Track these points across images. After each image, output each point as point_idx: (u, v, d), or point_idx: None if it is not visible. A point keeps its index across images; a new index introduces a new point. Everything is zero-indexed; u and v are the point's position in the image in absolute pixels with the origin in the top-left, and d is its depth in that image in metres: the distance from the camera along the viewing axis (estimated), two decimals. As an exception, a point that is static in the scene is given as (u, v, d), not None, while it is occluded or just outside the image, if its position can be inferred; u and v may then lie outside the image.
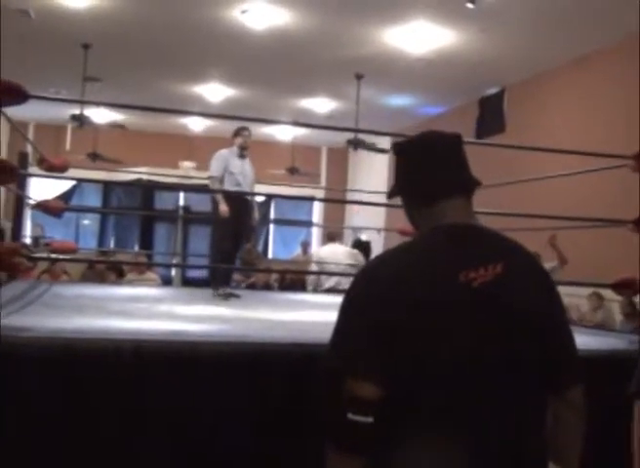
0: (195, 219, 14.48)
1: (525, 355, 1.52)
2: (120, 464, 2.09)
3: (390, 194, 1.73)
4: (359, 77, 9.40)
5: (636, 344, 3.00)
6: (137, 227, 14.64)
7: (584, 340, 2.12)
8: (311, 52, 8.68)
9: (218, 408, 2.17)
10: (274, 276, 10.70)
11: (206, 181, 6.06)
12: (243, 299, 5.19)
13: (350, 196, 13.36)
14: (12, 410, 2.00)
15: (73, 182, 13.38)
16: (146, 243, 14.28)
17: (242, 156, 5.63)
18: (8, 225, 8.57)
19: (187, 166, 12.71)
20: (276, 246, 15.37)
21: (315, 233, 14.84)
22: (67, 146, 11.65)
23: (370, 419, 1.43)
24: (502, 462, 1.48)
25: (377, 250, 12.06)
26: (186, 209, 14.09)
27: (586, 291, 6.90)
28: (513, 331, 1.50)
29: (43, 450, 2.03)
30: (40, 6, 7.36)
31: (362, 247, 10.91)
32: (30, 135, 12.49)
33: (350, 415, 1.42)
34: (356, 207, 13.70)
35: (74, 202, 13.85)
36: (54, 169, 4.51)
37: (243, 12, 7.33)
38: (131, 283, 8.06)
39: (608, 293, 6.27)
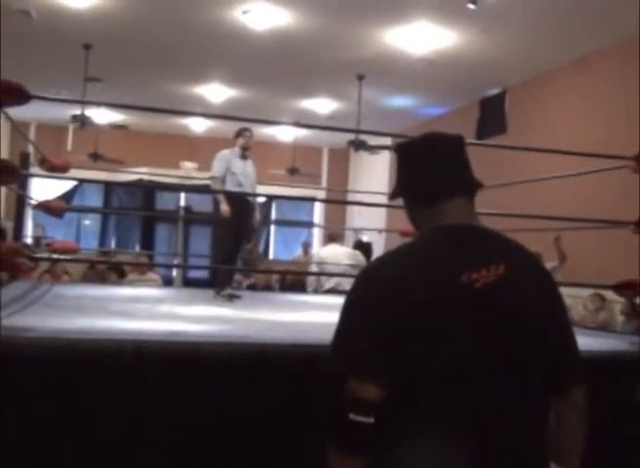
0: (196, 220, 14.49)
1: (527, 355, 1.52)
2: (121, 464, 2.09)
3: (392, 195, 1.73)
4: (360, 78, 9.40)
5: (637, 345, 3.00)
6: (138, 228, 14.64)
7: (586, 341, 2.12)
8: (312, 52, 8.68)
9: (218, 408, 2.18)
10: (275, 277, 10.71)
11: (207, 182, 6.06)
12: (244, 300, 5.19)
13: (351, 197, 13.36)
14: (13, 411, 2.00)
15: (74, 183, 13.38)
16: (147, 243, 14.28)
17: (244, 157, 5.63)
18: (9, 225, 8.57)
19: (188, 166, 12.71)
20: (277, 246, 15.37)
21: (316, 234, 14.83)
22: (69, 147, 11.64)
23: (371, 420, 1.43)
24: (503, 462, 1.48)
25: (378, 251, 12.06)
26: (187, 209, 14.09)
27: (588, 292, 6.90)
28: (515, 331, 1.50)
29: (44, 451, 2.03)
30: (41, 6, 7.36)
31: (363, 248, 10.90)
32: (32, 135, 12.50)
33: (352, 416, 1.43)
34: (357, 208, 13.70)
35: (75, 202, 13.86)
36: (55, 169, 4.52)
37: (244, 12, 7.33)
38: (132, 283, 8.06)
39: (609, 295, 6.28)
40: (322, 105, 11.32)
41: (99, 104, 11.35)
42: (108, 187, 14.35)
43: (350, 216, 14.88)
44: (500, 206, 4.28)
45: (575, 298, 6.89)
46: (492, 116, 9.94)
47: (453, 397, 1.46)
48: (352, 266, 6.90)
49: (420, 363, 1.46)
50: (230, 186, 5.47)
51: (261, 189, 6.91)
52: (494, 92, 9.89)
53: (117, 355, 2.11)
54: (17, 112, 3.28)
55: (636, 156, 3.37)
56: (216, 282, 5.65)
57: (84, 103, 9.96)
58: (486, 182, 1.76)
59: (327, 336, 1.60)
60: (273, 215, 15.19)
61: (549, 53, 8.10)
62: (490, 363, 1.48)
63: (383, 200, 4.04)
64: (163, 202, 14.69)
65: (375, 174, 13.27)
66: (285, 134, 13.33)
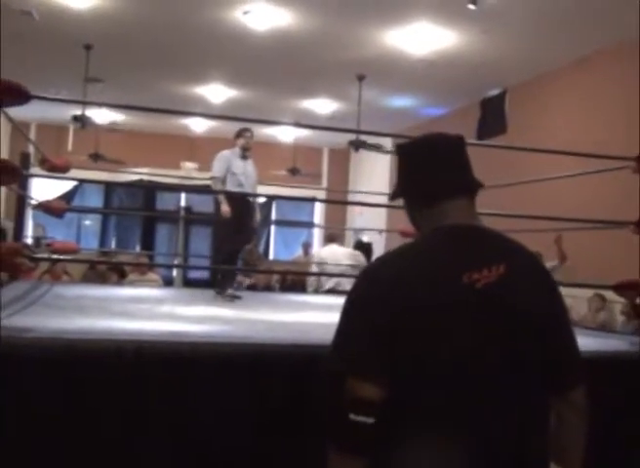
0: (197, 220, 14.50)
1: (528, 355, 1.52)
2: (121, 465, 2.09)
3: (393, 196, 1.73)
4: (361, 78, 9.40)
5: (637, 346, 3.00)
6: (138, 228, 14.65)
7: (586, 342, 2.12)
8: (313, 53, 8.68)
9: (219, 408, 2.18)
10: (275, 277, 10.71)
11: (207, 182, 6.06)
12: (244, 300, 5.19)
13: (352, 197, 13.36)
14: (13, 411, 2.00)
15: (75, 183, 13.38)
16: (148, 243, 14.28)
17: (244, 157, 5.63)
18: (10, 225, 8.58)
19: (189, 166, 12.72)
20: (277, 247, 15.37)
21: (316, 234, 14.84)
22: (69, 147, 11.65)
23: (371, 420, 1.43)
24: (503, 462, 1.48)
25: (378, 251, 12.06)
26: (188, 209, 14.09)
27: (587, 292, 6.90)
28: (516, 331, 1.51)
29: (44, 451, 2.03)
30: (42, 6, 7.37)
31: (363, 248, 10.91)
32: (32, 135, 12.51)
33: (352, 416, 1.43)
34: (357, 208, 13.70)
35: (76, 202, 13.87)
36: (55, 169, 4.52)
37: (245, 13, 7.34)
38: (132, 283, 8.06)
39: (610, 295, 6.28)
40: (322, 106, 11.33)
41: (99, 105, 11.36)
42: (109, 187, 14.36)
43: (351, 217, 14.88)
44: (500, 206, 4.28)
45: (575, 299, 6.89)
46: (492, 116, 9.94)
47: (453, 397, 1.46)
48: (352, 266, 6.90)
49: (420, 363, 1.46)
50: (231, 187, 5.47)
51: (262, 189, 6.92)
52: (494, 92, 9.89)
53: (117, 355, 2.11)
54: (17, 112, 3.28)
55: (637, 157, 3.37)
56: (216, 282, 5.65)
57: (84, 104, 9.97)
58: (486, 183, 1.76)
59: (327, 337, 1.60)
60: (273, 216, 15.19)
61: (550, 53, 8.10)
62: (490, 363, 1.48)
63: (384, 200, 4.04)
64: (163, 202, 14.69)
65: (375, 174, 13.28)
66: (285, 134, 13.34)
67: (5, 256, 2.56)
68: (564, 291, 1.68)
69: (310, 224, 15.38)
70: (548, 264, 5.72)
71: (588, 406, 1.61)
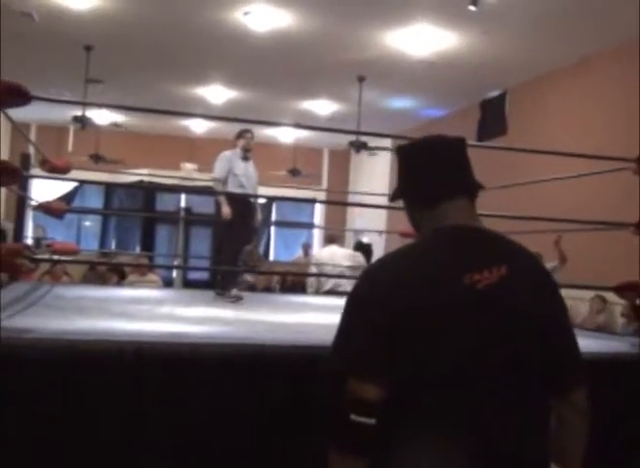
0: (197, 221, 14.50)
1: (528, 357, 1.52)
2: (121, 466, 2.09)
3: (393, 197, 1.73)
4: (361, 79, 9.41)
5: (637, 347, 3.00)
6: (138, 229, 14.65)
7: (586, 343, 2.12)
8: (313, 54, 8.69)
9: (219, 409, 2.17)
10: (276, 278, 10.71)
11: (208, 183, 6.05)
12: (244, 301, 5.18)
13: (352, 198, 13.37)
14: (13, 412, 2.00)
15: (75, 184, 13.40)
16: (148, 244, 14.29)
17: (245, 158, 5.62)
18: (10, 226, 8.59)
19: (189, 167, 12.73)
20: (277, 248, 15.38)
21: (316, 235, 14.84)
22: (69, 148, 11.66)
23: (372, 421, 1.43)
24: (503, 463, 1.48)
25: (378, 252, 12.06)
26: (188, 210, 14.10)
27: (588, 293, 6.89)
28: (517, 332, 1.51)
29: (44, 452, 2.03)
30: (42, 7, 7.37)
31: (363, 249, 10.91)
32: (32, 136, 12.52)
33: (353, 417, 1.43)
34: (357, 209, 13.71)
35: (76, 203, 13.88)
36: (56, 170, 4.51)
37: (245, 14, 7.34)
38: (132, 284, 8.06)
39: (610, 296, 6.28)
40: (323, 107, 11.33)
41: (99, 106, 11.35)
42: (109, 188, 14.37)
43: (351, 218, 14.89)
44: (500, 207, 4.27)
45: (575, 300, 6.89)
46: (492, 118, 9.95)
47: (453, 397, 1.46)
48: (352, 268, 6.90)
49: (420, 363, 1.46)
50: (232, 188, 5.46)
51: (262, 190, 6.92)
52: (494, 93, 9.90)
53: (118, 356, 2.11)
54: (17, 113, 3.28)
55: (637, 158, 3.37)
56: (216, 283, 5.64)
57: (85, 105, 9.99)
58: (486, 184, 1.76)
59: (327, 338, 1.60)
60: (274, 217, 15.20)
61: (550, 54, 8.10)
62: (490, 363, 1.48)
63: (384, 201, 4.03)
64: (163, 203, 14.70)
65: (375, 175, 13.29)
66: (286, 135, 13.35)
67: (5, 257, 2.56)
68: (564, 292, 1.68)
69: (310, 225, 15.39)
70: (548, 265, 5.72)
71: (589, 407, 1.61)
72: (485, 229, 1.64)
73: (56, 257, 4.71)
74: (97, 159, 10.97)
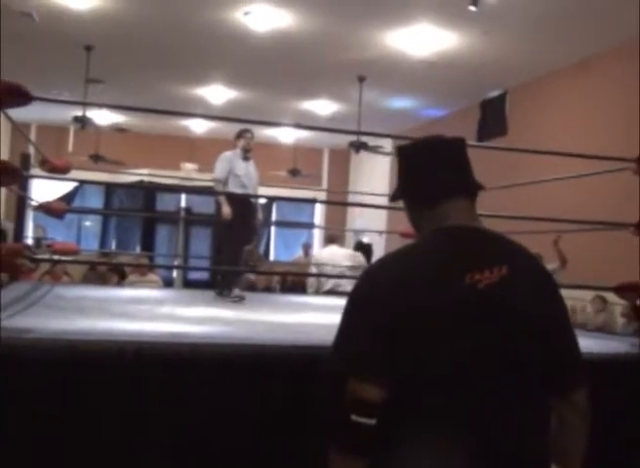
0: (197, 221, 14.51)
1: (528, 356, 1.52)
2: (121, 466, 2.09)
3: (393, 197, 1.73)
4: (361, 79, 9.41)
5: (637, 348, 3.00)
6: (138, 229, 14.66)
7: (586, 343, 2.12)
8: (314, 54, 8.69)
9: (219, 409, 2.18)
10: (276, 278, 10.71)
11: (208, 183, 6.04)
12: (244, 301, 5.18)
13: (352, 198, 13.37)
14: (13, 412, 2.00)
15: (75, 184, 13.41)
16: (148, 244, 14.29)
17: (246, 158, 5.62)
18: (10, 226, 8.59)
19: (189, 167, 12.73)
20: (278, 248, 15.38)
21: (317, 235, 14.84)
22: (70, 148, 11.66)
23: (373, 421, 1.43)
24: (503, 463, 1.48)
25: (378, 252, 12.06)
26: (188, 210, 14.10)
27: (588, 293, 6.89)
28: (517, 332, 1.51)
29: (44, 452, 2.03)
30: (42, 7, 7.37)
31: (363, 249, 10.91)
32: (32, 136, 12.52)
33: (354, 417, 1.43)
34: (358, 209, 13.71)
35: (76, 203, 13.89)
36: (56, 170, 4.51)
37: (246, 14, 7.34)
38: (132, 284, 8.06)
39: (610, 297, 6.27)
40: (323, 107, 11.34)
41: (100, 106, 11.36)
42: (109, 188, 14.38)
43: (351, 218, 14.89)
44: (500, 208, 4.27)
45: (575, 300, 6.89)
46: (492, 118, 9.95)
47: (453, 397, 1.46)
48: (351, 268, 6.90)
49: (420, 363, 1.46)
50: (234, 188, 5.45)
51: (262, 191, 6.92)
52: (494, 94, 9.90)
53: (118, 356, 2.11)
54: (17, 113, 3.28)
55: (637, 158, 3.37)
56: (217, 283, 5.64)
57: (85, 105, 9.99)
58: (487, 184, 1.76)
59: (327, 338, 1.60)
60: (274, 217, 15.20)
61: (550, 55, 8.11)
62: (491, 363, 1.48)
63: (384, 201, 4.04)
64: (163, 203, 14.71)
65: (375, 175, 13.29)
66: (286, 135, 13.35)
67: (5, 257, 2.56)
68: (565, 293, 1.68)
69: (310, 225, 15.39)
70: (549, 266, 5.72)
71: (589, 407, 1.61)
72: (485, 229, 1.64)
73: (56, 257, 4.71)
74: (97, 159, 10.97)
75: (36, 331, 2.37)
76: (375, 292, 1.52)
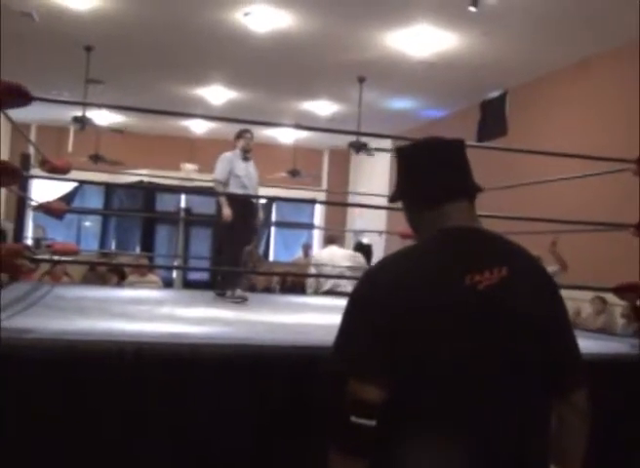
0: (197, 222, 14.51)
1: (529, 357, 1.52)
2: (121, 466, 2.09)
3: (392, 198, 1.73)
4: (361, 80, 9.41)
5: (637, 348, 3.00)
6: (138, 229, 14.66)
7: (586, 344, 2.12)
8: (313, 54, 8.69)
9: (219, 410, 2.18)
10: (276, 278, 10.71)
11: (207, 184, 6.04)
12: (247, 302, 5.18)
13: (352, 199, 13.37)
14: (13, 412, 2.00)
15: (75, 184, 13.41)
16: (148, 245, 14.29)
17: (245, 158, 5.62)
18: (10, 227, 8.59)
19: (189, 168, 12.73)
20: (277, 248, 15.38)
21: (317, 236, 14.85)
22: (69, 148, 11.66)
23: (373, 422, 1.43)
24: (503, 463, 1.48)
25: (378, 253, 12.07)
26: (188, 211, 14.10)
27: (587, 294, 6.89)
28: (517, 333, 1.51)
29: (44, 452, 2.03)
30: (42, 8, 7.37)
31: (363, 250, 10.91)
32: (32, 136, 12.52)
33: (353, 418, 1.43)
34: (357, 210, 13.71)
35: (76, 204, 13.89)
36: (56, 170, 4.51)
37: (246, 14, 7.34)
38: (132, 285, 8.06)
39: (610, 297, 6.28)
40: (323, 107, 11.34)
41: (99, 106, 11.36)
42: (109, 189, 14.38)
43: (351, 218, 14.89)
44: (500, 208, 4.28)
45: (575, 301, 6.89)
46: (492, 118, 9.95)
47: (453, 397, 1.46)
48: (351, 268, 6.90)
49: (420, 364, 1.46)
50: (235, 189, 5.45)
51: (262, 191, 6.92)
52: (494, 94, 9.90)
53: (118, 356, 2.11)
54: (17, 113, 3.28)
55: (637, 159, 3.37)
56: (217, 284, 5.63)
57: (85, 105, 9.98)
58: (486, 185, 1.77)
59: (327, 338, 1.60)
60: (274, 217, 15.20)
61: (550, 55, 8.11)
62: (491, 364, 1.48)
63: (384, 202, 4.04)
64: (163, 203, 14.70)
65: (375, 175, 13.29)
66: (286, 136, 13.35)
67: (5, 258, 2.56)
68: (564, 293, 1.68)
69: (310, 226, 15.40)
70: (548, 269, 5.71)
71: (589, 408, 1.62)
72: (485, 230, 1.64)
73: (56, 258, 4.70)
74: (96, 159, 10.97)
75: (36, 331, 2.37)
76: (375, 293, 1.52)
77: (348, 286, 6.68)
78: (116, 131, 11.21)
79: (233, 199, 5.33)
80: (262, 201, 10.40)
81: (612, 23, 6.97)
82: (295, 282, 10.14)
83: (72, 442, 2.05)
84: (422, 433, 1.46)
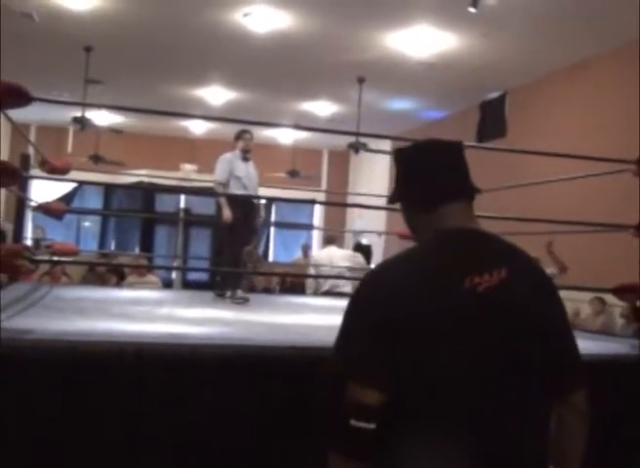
0: (196, 222, 14.51)
1: (528, 358, 1.53)
2: (122, 466, 2.09)
3: (391, 199, 1.73)
4: (361, 80, 9.41)
5: (637, 349, 3.01)
6: (137, 230, 14.66)
7: (585, 345, 2.12)
8: (313, 55, 8.69)
9: (219, 410, 2.18)
10: (275, 279, 10.70)
11: (207, 184, 6.04)
12: (248, 303, 5.18)
13: (351, 199, 13.37)
14: (14, 413, 2.00)
15: (75, 185, 13.40)
16: (147, 245, 14.29)
17: (245, 159, 5.63)
18: (9, 227, 8.58)
19: (188, 168, 12.73)
20: (277, 249, 15.38)
21: (316, 236, 14.85)
22: (69, 148, 11.67)
23: (372, 426, 1.43)
24: (503, 463, 1.48)
25: (377, 253, 12.07)
26: (187, 211, 14.10)
27: (587, 295, 6.90)
28: (517, 334, 1.51)
29: (45, 453, 2.03)
30: (42, 8, 7.37)
31: (363, 250, 10.92)
32: (32, 136, 12.52)
33: (353, 422, 1.43)
34: (357, 210, 13.71)
35: (75, 204, 13.89)
36: (55, 171, 4.51)
37: (245, 15, 7.34)
38: (131, 285, 8.05)
39: (610, 298, 6.28)
40: (322, 108, 11.34)
41: (99, 106, 11.35)
42: (108, 189, 14.38)
43: (350, 219, 14.89)
44: (499, 209, 4.28)
45: (574, 302, 6.89)
46: (492, 119, 9.95)
47: (453, 398, 1.46)
48: (350, 268, 6.91)
49: (420, 366, 1.46)
50: (235, 190, 5.45)
51: (261, 191, 6.93)
52: (494, 95, 9.90)
53: (118, 357, 2.11)
54: (17, 114, 3.29)
55: (637, 159, 3.37)
56: (216, 284, 5.63)
57: (84, 105, 9.98)
58: (486, 186, 1.77)
59: (327, 339, 1.61)
60: (273, 218, 15.20)
61: (550, 56, 8.11)
62: (491, 365, 1.48)
63: (383, 203, 4.04)
64: (163, 204, 14.70)
65: (375, 176, 13.29)
66: (285, 136, 13.35)
67: (5, 258, 2.56)
68: (563, 294, 1.68)
69: (310, 226, 15.39)
70: (547, 270, 5.72)
71: (589, 409, 1.62)
72: (484, 232, 1.64)
73: (55, 258, 4.70)
74: (96, 160, 10.97)
75: (36, 331, 2.37)
76: (376, 296, 1.52)
77: (347, 286, 6.69)
78: (115, 131, 11.21)
79: (233, 200, 5.34)
80: (262, 201, 10.44)
81: (611, 24, 6.97)
82: (294, 282, 10.15)
83: (73, 442, 2.05)
84: (423, 433, 1.46)
